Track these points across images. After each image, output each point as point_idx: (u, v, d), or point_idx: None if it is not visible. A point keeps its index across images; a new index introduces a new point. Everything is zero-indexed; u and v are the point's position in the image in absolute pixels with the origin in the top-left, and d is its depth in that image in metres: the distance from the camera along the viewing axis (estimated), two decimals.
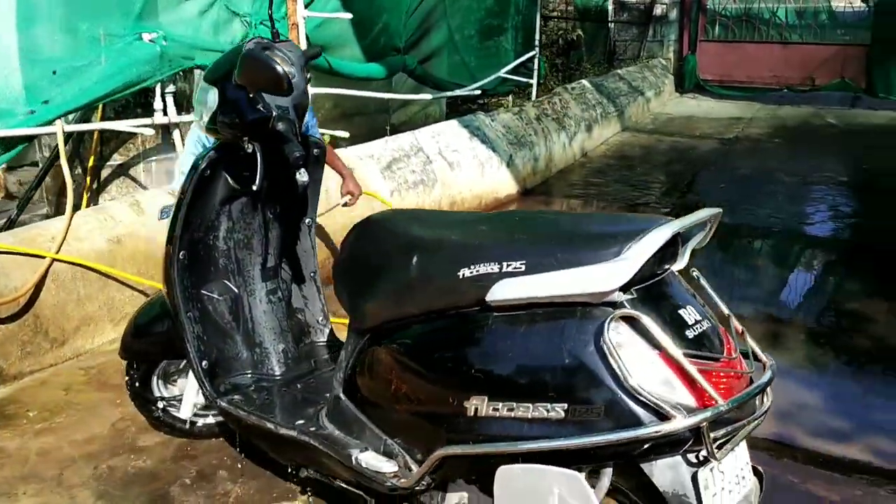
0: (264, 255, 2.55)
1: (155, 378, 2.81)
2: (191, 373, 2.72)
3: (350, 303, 2.12)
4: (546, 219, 2.07)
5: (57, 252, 3.47)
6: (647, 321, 1.61)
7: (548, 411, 1.65)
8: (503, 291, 1.70)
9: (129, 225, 3.84)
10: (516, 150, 6.89)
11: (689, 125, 9.57)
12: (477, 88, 7.28)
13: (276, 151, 2.28)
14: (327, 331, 2.74)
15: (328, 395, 2.36)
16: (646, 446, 1.60)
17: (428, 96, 6.94)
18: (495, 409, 1.71)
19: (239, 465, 2.75)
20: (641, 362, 1.60)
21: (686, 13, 10.81)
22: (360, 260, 2.10)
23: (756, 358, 1.76)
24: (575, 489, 1.61)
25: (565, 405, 1.63)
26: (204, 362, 2.44)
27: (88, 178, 4.52)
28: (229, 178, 2.40)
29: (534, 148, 7.18)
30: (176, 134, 4.63)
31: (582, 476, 1.61)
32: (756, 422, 1.69)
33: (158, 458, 2.81)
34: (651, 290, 1.70)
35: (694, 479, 1.66)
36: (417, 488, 1.91)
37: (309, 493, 2.57)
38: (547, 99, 8.06)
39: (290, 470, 2.38)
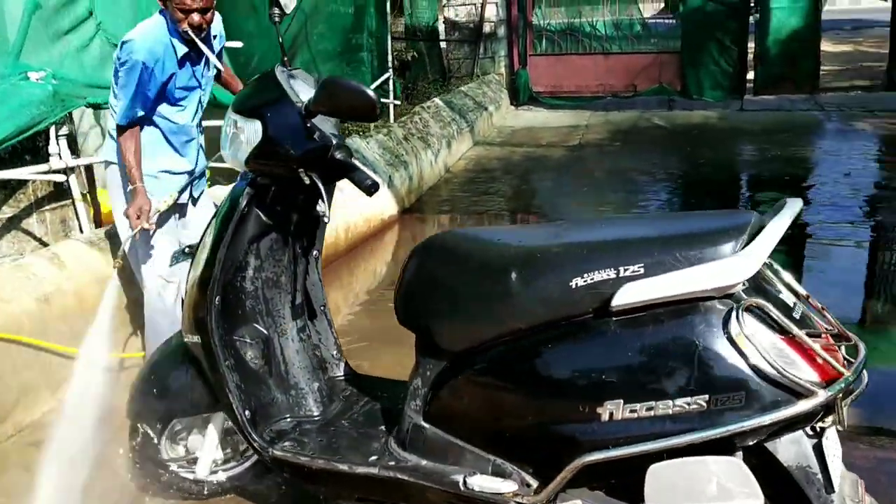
0: (293, 292, 2.44)
1: (164, 439, 2.60)
2: (210, 427, 2.57)
3: (427, 328, 2.09)
4: (638, 223, 2.16)
5: None
6: (770, 307, 1.73)
7: (689, 405, 1.73)
8: (629, 295, 1.76)
9: (53, 281, 3.52)
10: (394, 171, 6.94)
11: (533, 136, 10.03)
12: None
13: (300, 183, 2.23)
14: (343, 364, 2.66)
15: (387, 427, 2.31)
16: (783, 424, 1.72)
17: None
18: (633, 411, 1.77)
19: None
20: (769, 346, 1.72)
21: (514, 30, 11.35)
22: (436, 283, 2.07)
23: (840, 333, 1.93)
24: (736, 475, 1.69)
25: (706, 396, 1.72)
26: (247, 412, 2.31)
27: None
28: (262, 215, 2.29)
29: (408, 167, 7.27)
30: (72, 179, 4.27)
31: (741, 461, 1.71)
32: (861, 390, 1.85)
33: None
34: (754, 280, 1.83)
35: (817, 449, 1.80)
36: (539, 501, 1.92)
37: None
38: (409, 118, 8.17)
39: None
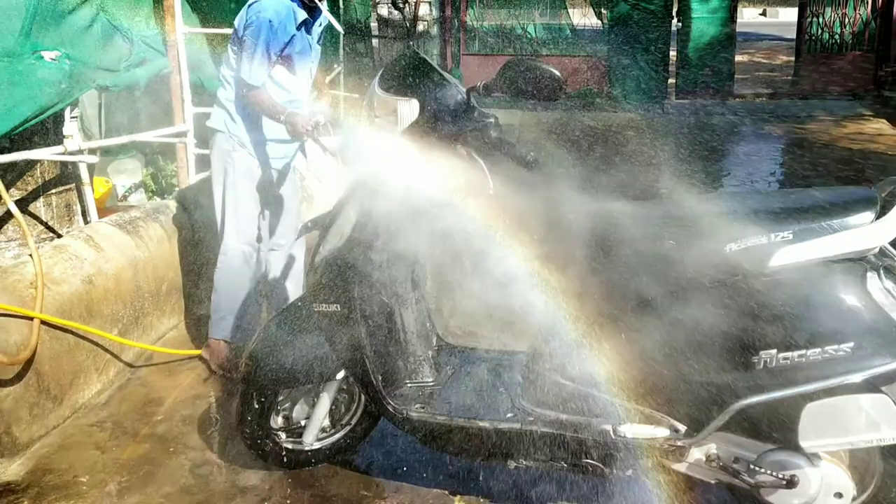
0: (413, 264, 2.55)
1: (272, 408, 2.65)
2: (323, 396, 2.65)
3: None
4: (771, 197, 2.40)
5: (42, 301, 3.05)
6: None
7: (836, 351, 1.98)
8: (783, 258, 2.00)
9: (94, 263, 3.47)
10: None
11: None
12: None
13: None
14: (435, 335, 2.78)
15: (507, 388, 2.47)
16: None
17: None
18: (786, 359, 2.00)
19: (374, 483, 2.72)
20: None
21: (447, 29, 11.56)
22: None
23: None
24: (883, 409, 1.96)
25: (851, 344, 1.98)
26: (379, 377, 2.41)
27: None
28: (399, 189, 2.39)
29: None
30: (82, 163, 4.18)
31: (887, 397, 1.97)
32: None
33: (282, 495, 2.66)
34: None
35: None
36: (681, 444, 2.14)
37: (460, 496, 2.63)
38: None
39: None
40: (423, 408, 2.42)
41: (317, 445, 2.76)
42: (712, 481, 2.22)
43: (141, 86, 4.56)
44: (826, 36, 11.21)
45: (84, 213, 4.40)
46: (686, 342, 2.11)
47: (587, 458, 2.27)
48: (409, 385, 2.53)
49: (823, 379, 1.98)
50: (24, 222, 3.29)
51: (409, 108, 2.30)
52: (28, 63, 3.88)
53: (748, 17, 27.44)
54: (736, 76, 13.68)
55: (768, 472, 2.09)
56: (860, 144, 9.47)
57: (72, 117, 4.06)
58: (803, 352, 2.00)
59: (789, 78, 13.12)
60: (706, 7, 10.96)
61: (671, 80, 11.31)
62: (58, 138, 4.07)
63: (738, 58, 17.27)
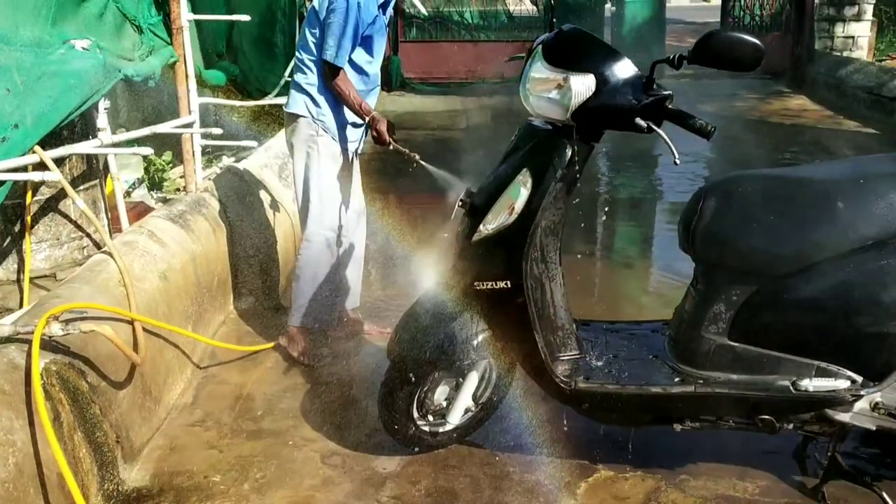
0: (562, 238, 2.58)
1: (419, 392, 2.63)
2: (472, 374, 2.65)
3: (737, 258, 2.34)
4: None
5: (134, 300, 2.91)
6: None
7: None
8: None
9: (163, 258, 3.34)
10: None
11: (421, 120, 10.27)
12: (279, 94, 7.12)
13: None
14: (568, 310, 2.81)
15: (658, 355, 2.54)
16: None
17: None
18: None
19: (516, 458, 2.75)
20: None
21: None
22: (749, 218, 2.31)
23: None
24: None
25: None
26: (546, 351, 2.44)
27: (29, 218, 3.66)
28: (561, 165, 2.42)
29: None
30: (111, 157, 3.99)
31: None
32: None
33: (430, 478, 2.66)
34: None
35: None
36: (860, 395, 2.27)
37: (604, 463, 2.70)
38: None
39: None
40: (588, 379, 2.47)
41: (453, 425, 2.75)
42: (873, 428, 2.35)
43: (156, 75, 4.37)
44: (748, 18, 11.76)
45: (107, 210, 4.21)
46: (870, 297, 2.22)
47: (760, 415, 2.36)
48: (562, 358, 2.56)
49: None
50: (97, 220, 3.12)
51: (584, 84, 2.33)
52: (60, 53, 3.67)
53: None
54: None
55: None
56: (791, 119, 10.04)
57: (104, 109, 3.87)
58: None
59: None
60: None
61: None
62: (84, 132, 3.88)
63: None
